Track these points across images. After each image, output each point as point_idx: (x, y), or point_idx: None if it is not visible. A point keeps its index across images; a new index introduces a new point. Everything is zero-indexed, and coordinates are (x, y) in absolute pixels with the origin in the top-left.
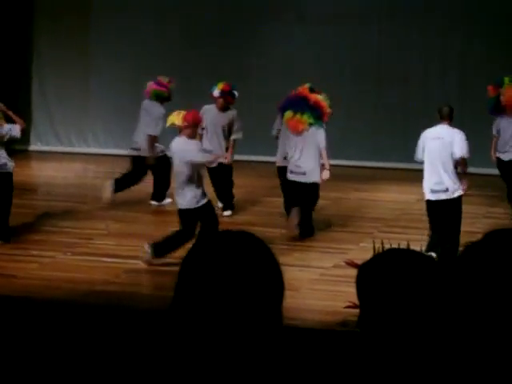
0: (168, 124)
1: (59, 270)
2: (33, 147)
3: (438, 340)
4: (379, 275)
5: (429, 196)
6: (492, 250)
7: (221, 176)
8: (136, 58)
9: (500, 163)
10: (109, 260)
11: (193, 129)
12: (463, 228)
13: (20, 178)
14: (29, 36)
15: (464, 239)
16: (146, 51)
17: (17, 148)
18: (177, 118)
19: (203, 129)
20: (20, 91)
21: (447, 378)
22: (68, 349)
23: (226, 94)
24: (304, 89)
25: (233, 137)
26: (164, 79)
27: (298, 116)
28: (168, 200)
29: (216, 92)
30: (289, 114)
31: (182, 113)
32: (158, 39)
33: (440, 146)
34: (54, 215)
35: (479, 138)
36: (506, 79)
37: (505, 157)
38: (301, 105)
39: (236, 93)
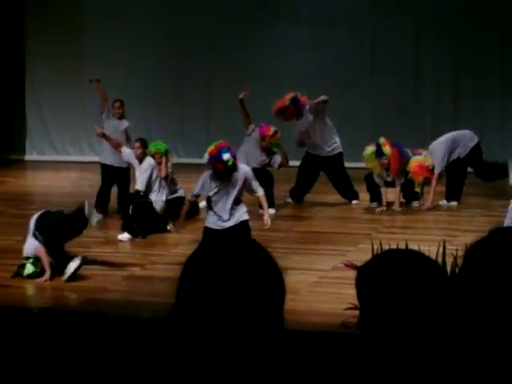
0: None
1: (57, 279)
2: (28, 157)
3: (439, 341)
4: (378, 276)
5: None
6: (497, 250)
7: None
8: (131, 67)
9: None
10: (107, 268)
11: None
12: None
13: (16, 188)
14: (21, 47)
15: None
16: (141, 60)
17: (12, 158)
18: None
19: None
20: (14, 101)
21: (448, 378)
22: (67, 358)
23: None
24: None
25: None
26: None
27: None
28: None
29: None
30: None
31: None
32: (153, 46)
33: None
34: None
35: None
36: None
37: None
38: None
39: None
